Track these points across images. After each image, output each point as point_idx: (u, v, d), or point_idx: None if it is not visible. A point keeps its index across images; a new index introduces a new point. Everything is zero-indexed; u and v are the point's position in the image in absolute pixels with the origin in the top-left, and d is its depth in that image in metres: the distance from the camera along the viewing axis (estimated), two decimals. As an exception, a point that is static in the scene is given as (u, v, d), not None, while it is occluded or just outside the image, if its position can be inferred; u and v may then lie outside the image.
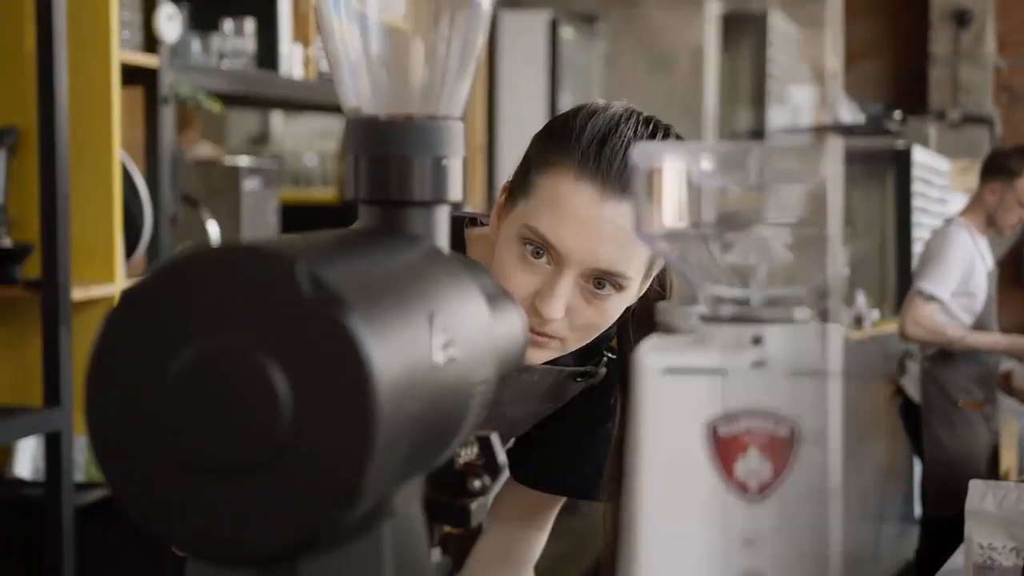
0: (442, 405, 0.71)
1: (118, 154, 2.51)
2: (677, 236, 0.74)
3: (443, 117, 0.84)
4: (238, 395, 0.61)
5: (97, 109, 2.48)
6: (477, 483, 0.88)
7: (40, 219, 2.37)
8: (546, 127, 1.32)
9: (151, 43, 2.67)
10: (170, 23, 2.65)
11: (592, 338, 1.30)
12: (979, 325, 4.32)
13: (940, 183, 7.55)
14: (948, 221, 4.50)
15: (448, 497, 0.87)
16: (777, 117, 5.24)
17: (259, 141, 6.05)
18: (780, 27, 7.48)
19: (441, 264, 0.77)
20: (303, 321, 0.61)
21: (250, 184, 3.05)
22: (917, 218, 7.03)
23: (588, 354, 1.40)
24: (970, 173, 8.34)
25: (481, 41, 0.86)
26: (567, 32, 5.35)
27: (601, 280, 1.25)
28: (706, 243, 0.74)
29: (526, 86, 5.12)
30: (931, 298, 4.19)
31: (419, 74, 0.84)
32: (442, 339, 0.70)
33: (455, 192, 0.84)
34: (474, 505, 0.87)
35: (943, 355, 4.32)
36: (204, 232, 2.94)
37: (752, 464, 0.69)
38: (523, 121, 5.07)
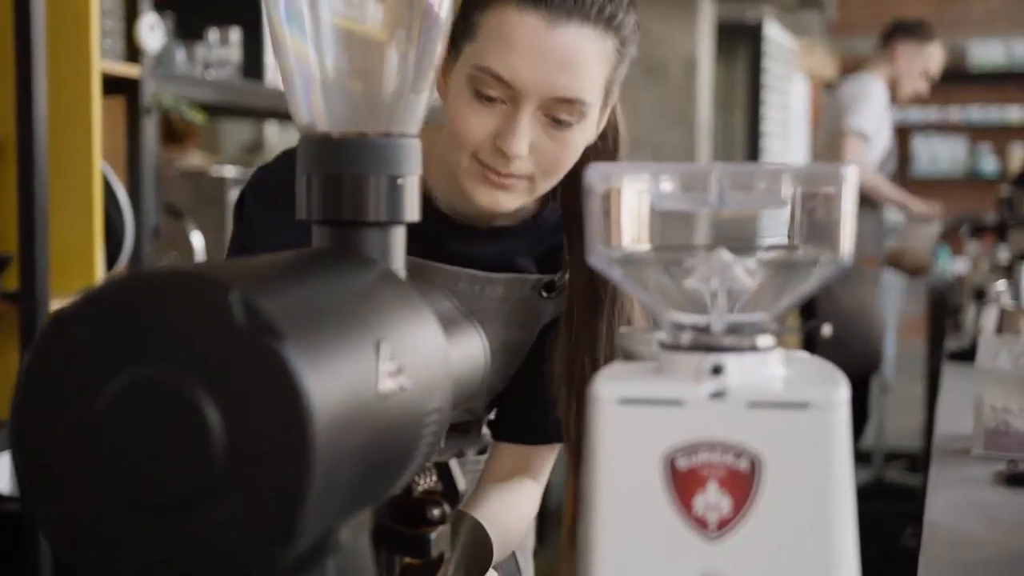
0: (390, 435, 0.68)
1: (99, 164, 2.48)
2: (634, 260, 0.71)
3: (399, 135, 0.81)
4: (169, 427, 0.59)
5: (77, 119, 2.45)
6: (436, 511, 0.85)
7: (18, 230, 2.34)
8: None
9: (134, 53, 2.64)
10: (152, 33, 2.63)
11: (558, 177, 1.27)
12: (881, 172, 4.45)
13: (787, 61, 7.69)
14: (843, 80, 4.66)
15: (406, 527, 0.84)
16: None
17: (253, 150, 6.02)
18: (775, 37, 7.48)
19: (394, 288, 0.74)
20: (237, 351, 0.59)
21: (236, 195, 3.02)
22: (764, 95, 7.15)
23: (549, 263, 1.38)
24: (814, 54, 8.50)
25: (439, 53, 0.84)
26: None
27: (559, 115, 1.22)
28: (665, 267, 0.71)
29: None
30: (862, 135, 4.27)
31: (373, 90, 0.81)
32: (390, 367, 0.68)
33: (411, 212, 0.81)
34: (434, 535, 0.84)
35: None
36: (188, 243, 2.91)
37: (711, 499, 0.66)
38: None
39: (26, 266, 2.32)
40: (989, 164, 10.02)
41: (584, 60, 1.21)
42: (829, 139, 4.48)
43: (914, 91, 4.48)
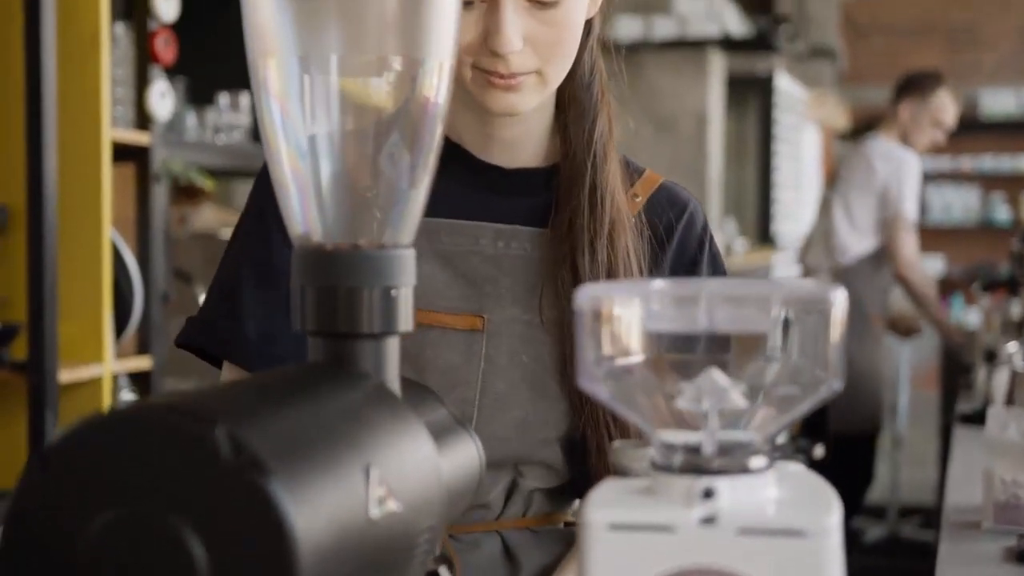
0: (381, 560, 0.67)
1: (108, 232, 2.49)
2: (623, 380, 0.71)
3: (392, 246, 0.81)
4: (154, 565, 0.58)
5: (87, 187, 2.47)
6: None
7: (27, 299, 2.35)
8: None
9: (144, 120, 2.66)
10: (163, 100, 2.64)
11: (569, 61, 1.19)
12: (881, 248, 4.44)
13: (798, 111, 7.72)
14: (864, 140, 4.65)
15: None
16: (663, 27, 5.25)
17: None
18: (785, 88, 7.50)
19: (385, 405, 0.74)
20: (223, 487, 0.58)
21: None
22: (775, 146, 7.17)
23: None
24: (825, 105, 8.54)
25: (432, 164, 0.84)
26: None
27: None
28: (655, 387, 0.71)
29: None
30: (914, 224, 4.31)
31: (368, 200, 0.81)
32: (380, 492, 0.67)
33: (406, 322, 0.81)
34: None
35: (857, 266, 4.35)
36: (197, 308, 2.91)
37: (703, 627, 0.66)
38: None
39: (34, 335, 2.33)
40: (1002, 213, 10.01)
41: None
42: (871, 211, 4.44)
43: (929, 143, 4.48)
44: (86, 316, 2.47)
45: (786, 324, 0.70)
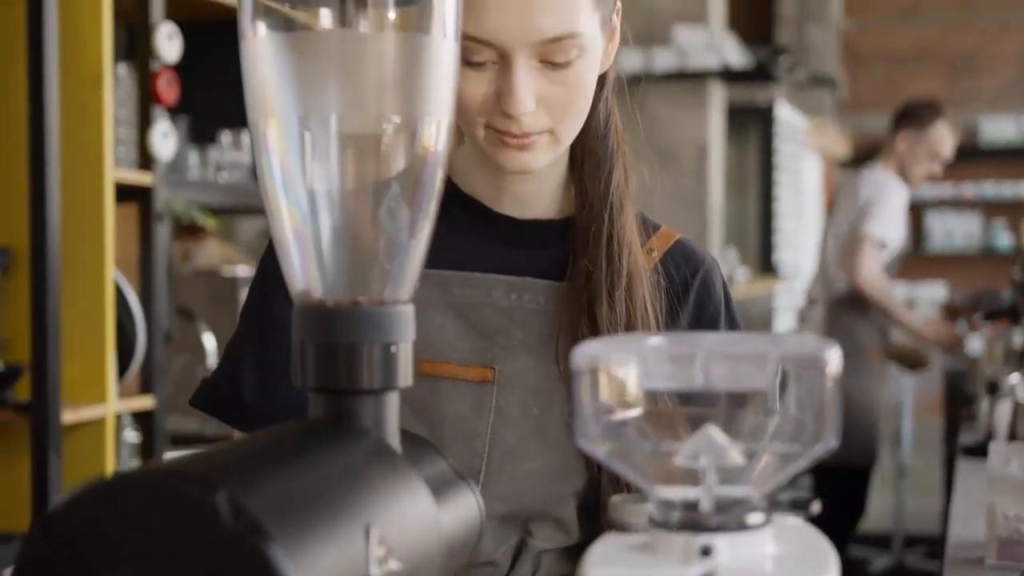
0: (380, 619, 0.68)
1: (111, 273, 2.50)
2: (621, 438, 0.71)
3: (392, 302, 0.82)
4: (156, 629, 0.59)
5: (90, 228, 2.48)
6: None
7: (31, 341, 2.35)
8: None
9: (146, 160, 2.67)
10: (165, 140, 2.66)
11: (581, 119, 1.18)
12: (887, 274, 4.45)
13: (799, 140, 7.74)
14: (860, 170, 4.67)
15: None
16: (663, 59, 5.26)
17: (267, 236, 6.07)
18: (786, 117, 7.53)
19: (385, 462, 0.75)
20: (223, 552, 0.59)
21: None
22: (776, 176, 7.19)
23: None
24: (826, 133, 8.56)
25: (431, 219, 0.84)
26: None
27: (555, 58, 1.13)
28: (653, 443, 0.71)
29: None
30: (881, 244, 4.26)
31: (368, 257, 0.82)
32: (380, 552, 0.68)
33: (405, 378, 0.82)
34: None
35: (851, 299, 4.34)
36: (200, 345, 2.93)
37: None
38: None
39: (38, 376, 2.33)
40: (1004, 239, 10.03)
41: None
42: (845, 238, 4.48)
43: (926, 174, 4.49)
44: (89, 356, 2.48)
45: (783, 380, 0.70)
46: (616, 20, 1.22)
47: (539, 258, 1.26)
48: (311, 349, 0.80)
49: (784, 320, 7.40)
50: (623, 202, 1.24)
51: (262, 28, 0.79)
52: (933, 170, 4.48)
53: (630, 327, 1.20)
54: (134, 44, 2.75)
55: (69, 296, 2.44)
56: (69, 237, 2.44)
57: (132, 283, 2.64)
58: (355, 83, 0.80)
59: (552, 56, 1.13)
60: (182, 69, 2.79)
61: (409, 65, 0.80)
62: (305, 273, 0.82)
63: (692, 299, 1.28)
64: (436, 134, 0.82)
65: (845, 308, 4.37)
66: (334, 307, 0.80)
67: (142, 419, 2.75)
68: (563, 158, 1.26)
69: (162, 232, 2.67)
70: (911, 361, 4.85)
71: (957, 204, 10.14)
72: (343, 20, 0.88)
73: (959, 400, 4.67)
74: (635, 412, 0.72)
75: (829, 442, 0.69)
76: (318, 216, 0.81)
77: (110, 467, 2.52)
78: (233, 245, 4.54)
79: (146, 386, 2.71)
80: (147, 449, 2.73)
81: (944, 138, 4.47)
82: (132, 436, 2.77)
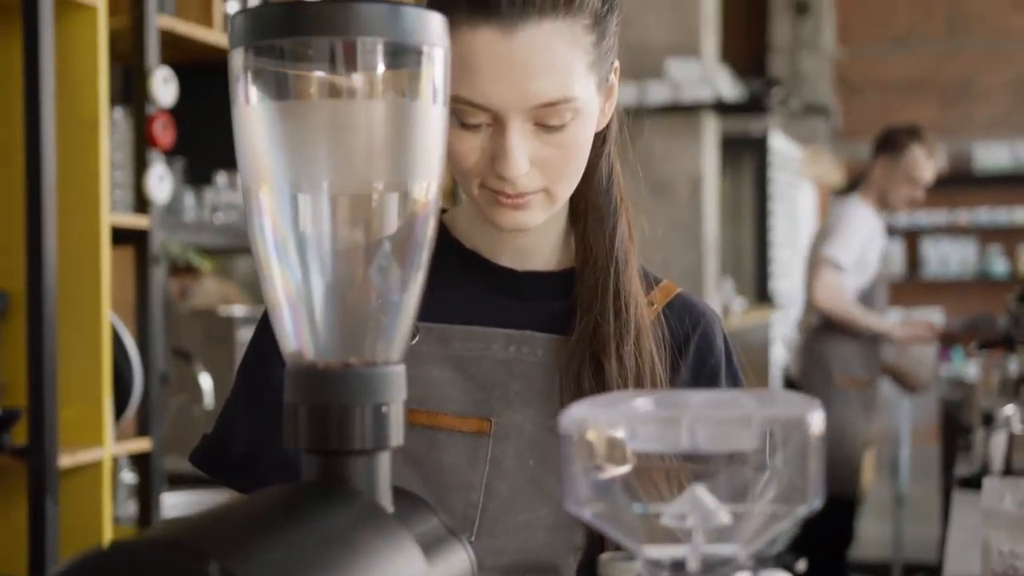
0: None
1: (107, 316, 2.51)
2: (609, 497, 0.72)
3: (383, 362, 0.83)
4: None
5: (87, 272, 2.49)
6: None
7: (28, 385, 2.36)
8: None
9: (143, 203, 2.69)
10: (161, 184, 2.68)
11: (577, 177, 1.18)
12: (863, 301, 4.40)
13: (793, 169, 7.76)
14: (842, 199, 4.67)
15: None
16: (657, 92, 5.28)
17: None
18: (780, 147, 7.56)
19: (376, 524, 0.76)
20: (216, 622, 0.60)
21: (245, 334, 3.06)
22: (771, 205, 7.20)
23: None
24: (820, 162, 8.58)
25: (421, 278, 0.86)
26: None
27: (549, 121, 1.13)
28: (641, 503, 0.72)
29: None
30: (837, 265, 4.24)
31: (359, 320, 0.83)
32: (372, 614, 0.69)
33: (396, 437, 0.83)
34: None
35: (826, 327, 4.32)
36: (197, 386, 2.93)
37: None
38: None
39: (35, 421, 2.34)
40: (999, 265, 10.05)
41: (553, 56, 1.12)
42: (807, 264, 4.51)
43: (907, 199, 4.46)
44: (86, 400, 2.49)
45: (768, 441, 0.71)
46: (614, 78, 1.23)
47: (539, 310, 1.27)
48: (303, 411, 0.81)
49: (780, 350, 7.41)
50: (628, 256, 1.25)
51: (254, 95, 0.81)
52: (914, 195, 4.46)
53: (639, 382, 1.21)
54: (130, 88, 2.77)
55: (66, 340, 2.45)
56: (65, 281, 2.45)
57: (129, 326, 2.65)
58: (346, 150, 0.81)
59: (546, 119, 1.14)
60: (178, 111, 2.80)
61: (399, 131, 0.82)
62: (297, 335, 0.83)
63: (692, 352, 1.29)
64: (426, 196, 0.84)
65: (821, 337, 4.38)
66: (325, 369, 0.81)
67: (139, 461, 2.75)
68: (563, 211, 1.27)
69: (158, 275, 2.68)
70: (909, 383, 4.83)
71: (952, 231, 10.17)
72: (333, 87, 0.90)
73: (956, 429, 4.67)
74: (623, 471, 0.73)
75: (814, 503, 0.70)
76: (309, 279, 0.82)
77: (107, 511, 2.52)
78: (230, 282, 4.56)
79: (143, 428, 2.72)
80: (144, 491, 2.73)
81: (919, 161, 4.43)
82: (129, 477, 2.78)
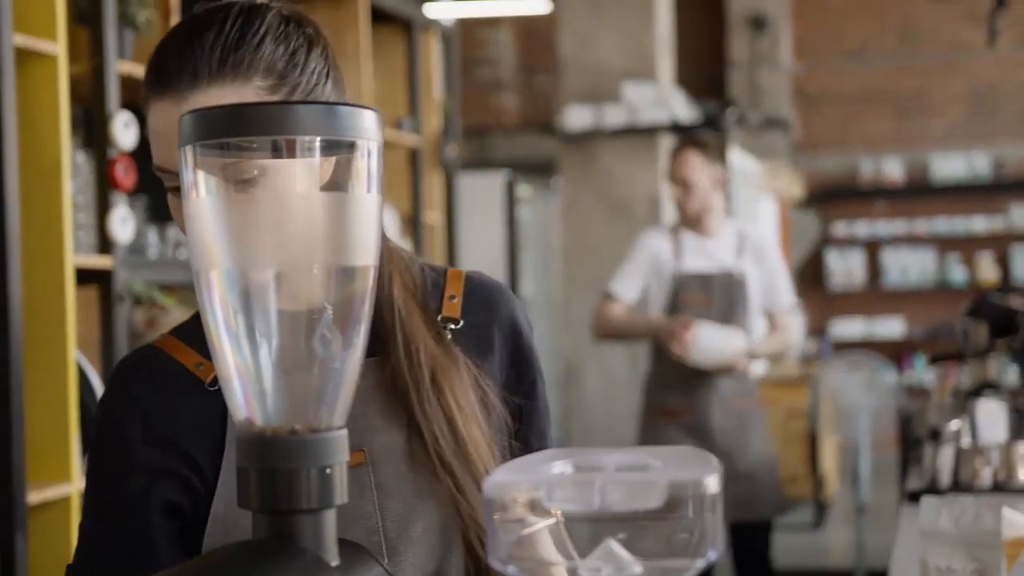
0: None
1: (73, 355, 2.57)
2: (529, 553, 0.80)
3: (326, 428, 0.90)
4: None
5: (52, 312, 2.54)
6: None
7: (-5, 424, 2.42)
8: None
9: (106, 244, 2.75)
10: (124, 225, 2.74)
11: None
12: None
13: (753, 183, 7.89)
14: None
15: None
16: (613, 115, 5.29)
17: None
18: (739, 163, 7.67)
19: (321, 580, 0.83)
20: None
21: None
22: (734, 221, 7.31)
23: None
24: (780, 176, 8.70)
25: (360, 350, 0.93)
26: (524, 189, 5.48)
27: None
28: (559, 559, 0.80)
29: (486, 243, 5.25)
30: (608, 296, 4.13)
31: (302, 390, 0.91)
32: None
33: (341, 496, 0.90)
34: None
35: (653, 363, 4.19)
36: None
37: None
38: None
39: (3, 459, 2.40)
40: (958, 274, 10.21)
41: None
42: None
43: (677, 201, 4.23)
44: (53, 437, 2.54)
45: (672, 501, 0.79)
46: None
47: None
48: (253, 474, 0.89)
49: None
50: (407, 305, 1.28)
51: (202, 188, 0.88)
52: (677, 196, 4.18)
53: (450, 423, 1.25)
54: (91, 130, 2.84)
55: (32, 379, 2.50)
56: (31, 321, 2.51)
57: (94, 363, 2.71)
58: (289, 236, 0.89)
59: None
60: (139, 149, 2.87)
61: (337, 218, 0.89)
62: (247, 404, 0.91)
63: (500, 332, 1.34)
64: (364, 274, 0.91)
65: (646, 376, 4.29)
66: (273, 435, 0.89)
67: (107, 494, 2.81)
68: None
69: (122, 313, 2.74)
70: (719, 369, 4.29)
71: (911, 240, 10.32)
72: (275, 180, 0.97)
73: (910, 440, 4.75)
74: (541, 532, 0.81)
75: (710, 555, 0.78)
76: (257, 353, 0.90)
77: (75, 545, 2.57)
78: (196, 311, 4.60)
79: (110, 462, 2.77)
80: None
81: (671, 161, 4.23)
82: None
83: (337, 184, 0.90)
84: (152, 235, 3.02)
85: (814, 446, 7.05)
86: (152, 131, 1.21)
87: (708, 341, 3.94)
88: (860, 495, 5.74)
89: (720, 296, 4.11)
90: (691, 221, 4.14)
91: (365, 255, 0.90)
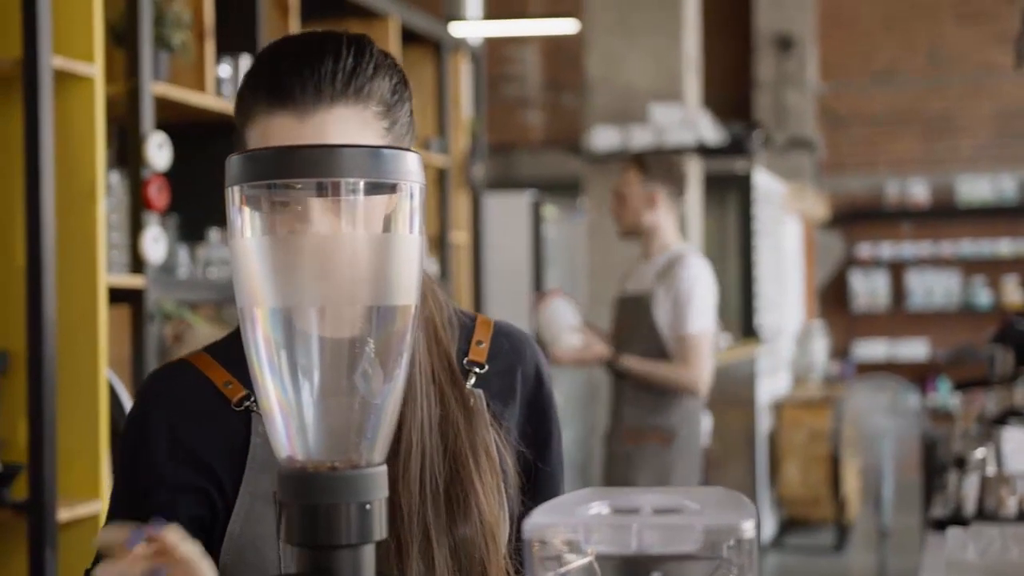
0: None
1: (104, 374, 2.60)
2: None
3: (366, 464, 0.92)
4: None
5: (85, 331, 2.57)
6: None
7: (28, 441, 2.44)
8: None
9: (138, 263, 2.78)
10: (156, 245, 2.77)
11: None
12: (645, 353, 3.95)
13: (778, 204, 7.87)
14: None
15: None
16: (640, 137, 5.26)
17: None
18: (764, 184, 7.67)
19: (360, 616, 0.85)
20: None
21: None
22: (756, 241, 7.31)
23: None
24: (805, 198, 8.67)
25: (400, 388, 0.95)
26: (549, 211, 5.50)
27: None
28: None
29: (512, 263, 5.26)
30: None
31: (344, 427, 0.92)
32: None
33: (380, 531, 0.92)
34: None
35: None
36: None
37: None
38: (509, 298, 5.21)
39: (35, 476, 2.42)
40: (983, 297, 10.16)
41: (344, 138, 1.20)
42: None
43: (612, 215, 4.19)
44: (84, 455, 2.56)
45: (710, 545, 0.80)
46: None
47: None
48: (295, 509, 0.91)
49: (766, 384, 7.51)
50: (428, 346, 1.30)
51: (248, 229, 0.90)
52: (611, 207, 4.15)
53: (394, 451, 1.21)
54: (125, 150, 2.87)
55: (64, 397, 2.53)
56: (64, 340, 2.54)
57: (124, 382, 2.74)
58: (332, 276, 0.91)
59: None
60: (172, 169, 2.90)
61: (379, 259, 0.91)
62: (289, 440, 0.93)
63: (523, 379, 1.36)
64: (404, 313, 0.93)
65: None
66: (315, 472, 0.91)
67: (135, 511, 2.83)
68: None
69: (153, 332, 2.77)
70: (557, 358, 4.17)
71: (936, 262, 10.28)
72: (319, 221, 0.99)
73: (935, 464, 4.73)
74: (578, 565, 0.82)
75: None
76: (300, 390, 0.92)
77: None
78: (223, 325, 4.64)
79: (139, 479, 2.80)
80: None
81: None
82: (125, 527, 2.85)
83: (380, 225, 0.92)
84: (183, 254, 3.05)
85: (836, 468, 7.03)
86: (265, 143, 1.21)
87: (550, 313, 3.93)
88: (883, 519, 5.73)
89: (623, 318, 4.05)
90: (626, 235, 4.13)
91: (407, 295, 0.92)
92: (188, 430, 1.27)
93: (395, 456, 1.23)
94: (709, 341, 3.95)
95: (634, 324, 3.98)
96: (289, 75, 1.20)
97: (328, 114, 1.20)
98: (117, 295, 2.72)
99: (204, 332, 4.24)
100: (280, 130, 1.20)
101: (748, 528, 0.79)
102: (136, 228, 2.77)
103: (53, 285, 2.48)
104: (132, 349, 2.76)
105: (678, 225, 4.17)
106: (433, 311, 1.31)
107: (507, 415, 1.33)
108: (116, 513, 1.29)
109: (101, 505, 2.59)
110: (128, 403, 2.70)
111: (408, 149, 0.91)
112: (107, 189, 2.69)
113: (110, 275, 2.65)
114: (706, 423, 4.13)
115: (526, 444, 1.34)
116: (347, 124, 1.21)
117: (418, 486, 1.25)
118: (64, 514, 2.49)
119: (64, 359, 2.53)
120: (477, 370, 1.32)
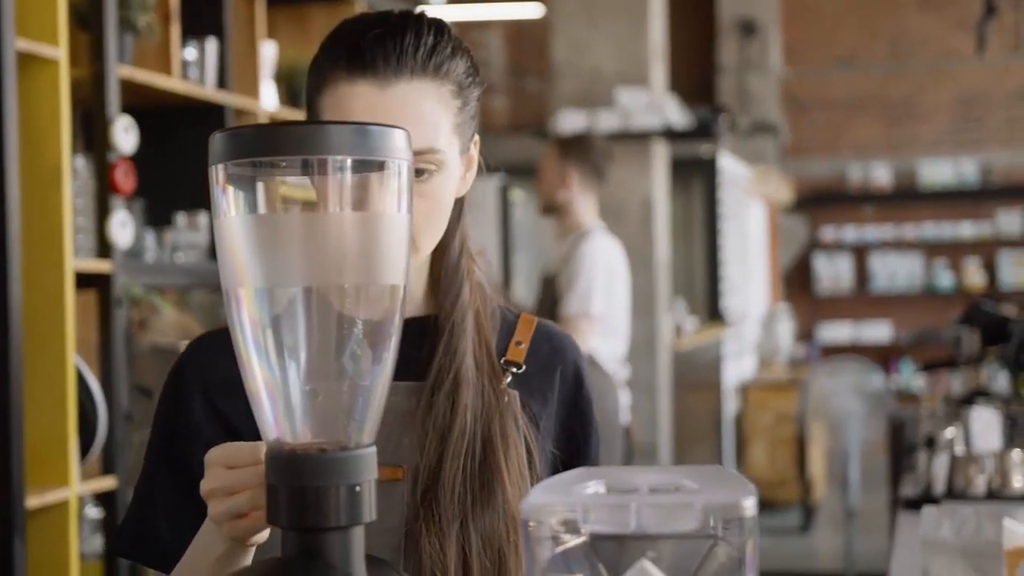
0: None
1: (72, 359, 2.56)
2: (565, 570, 0.80)
3: (355, 446, 0.91)
4: None
5: (51, 316, 2.54)
6: None
7: (-6, 429, 2.41)
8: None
9: (105, 247, 2.74)
10: (123, 229, 2.73)
11: (435, 232, 1.25)
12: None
13: (742, 188, 7.93)
14: None
15: None
16: (606, 121, 5.30)
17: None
18: (729, 168, 7.69)
19: (351, 599, 0.83)
20: None
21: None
22: (721, 224, 7.38)
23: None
24: (769, 181, 8.74)
25: (388, 369, 0.93)
26: (517, 195, 5.48)
27: (416, 166, 1.18)
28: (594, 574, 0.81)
29: (479, 245, 5.25)
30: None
31: (332, 409, 0.91)
32: None
33: (369, 513, 0.91)
34: None
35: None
36: (159, 423, 2.97)
37: None
38: (477, 282, 5.19)
39: (3, 463, 2.39)
40: (945, 279, 10.24)
41: (422, 111, 1.22)
42: None
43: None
44: (52, 441, 2.53)
45: (709, 523, 0.79)
46: (474, 151, 1.32)
47: (402, 358, 1.31)
48: (283, 492, 0.89)
49: (732, 367, 7.53)
50: (464, 317, 1.30)
51: (232, 208, 0.89)
52: (534, 184, 4.23)
53: (447, 428, 1.25)
54: (92, 137, 2.83)
55: (32, 383, 2.50)
56: (31, 325, 2.50)
57: (92, 367, 2.71)
58: (318, 255, 0.89)
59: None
60: (138, 154, 2.86)
61: (366, 237, 0.90)
62: (276, 422, 0.91)
63: (561, 381, 1.36)
64: (391, 292, 0.92)
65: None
66: (303, 454, 0.89)
67: (104, 498, 2.80)
68: (425, 264, 1.31)
69: (120, 317, 2.74)
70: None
71: (899, 245, 10.35)
72: (305, 200, 0.97)
73: (902, 445, 4.75)
74: (575, 552, 0.81)
75: (747, 576, 0.79)
76: (286, 371, 0.90)
77: (74, 549, 2.57)
78: (189, 313, 4.60)
79: (108, 466, 2.77)
80: (110, 527, 2.78)
81: None
82: (94, 512, 2.83)
83: (367, 203, 0.90)
84: (150, 239, 3.01)
85: (802, 450, 7.07)
86: (342, 111, 1.22)
87: None
88: (850, 499, 5.76)
89: (542, 298, 4.11)
90: (544, 212, 4.16)
91: (395, 274, 0.90)
92: (220, 394, 1.27)
93: (448, 432, 1.24)
94: (591, 323, 3.90)
95: (547, 304, 4.01)
96: (372, 46, 1.22)
97: (409, 85, 1.22)
98: (84, 280, 2.69)
99: (170, 318, 4.21)
100: (361, 98, 1.21)
101: (749, 506, 0.78)
102: (103, 212, 2.73)
103: (19, 270, 2.44)
104: (100, 334, 2.73)
105: (595, 206, 4.20)
106: (479, 303, 1.32)
107: (545, 414, 1.33)
108: (150, 465, 1.31)
109: (71, 492, 2.56)
110: (96, 389, 2.67)
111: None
112: (73, 173, 2.65)
113: (77, 260, 2.62)
114: (624, 399, 4.10)
115: (563, 443, 1.34)
116: (426, 96, 1.23)
117: (461, 462, 1.25)
118: (33, 501, 2.46)
119: (31, 344, 2.50)
120: (514, 370, 1.32)
